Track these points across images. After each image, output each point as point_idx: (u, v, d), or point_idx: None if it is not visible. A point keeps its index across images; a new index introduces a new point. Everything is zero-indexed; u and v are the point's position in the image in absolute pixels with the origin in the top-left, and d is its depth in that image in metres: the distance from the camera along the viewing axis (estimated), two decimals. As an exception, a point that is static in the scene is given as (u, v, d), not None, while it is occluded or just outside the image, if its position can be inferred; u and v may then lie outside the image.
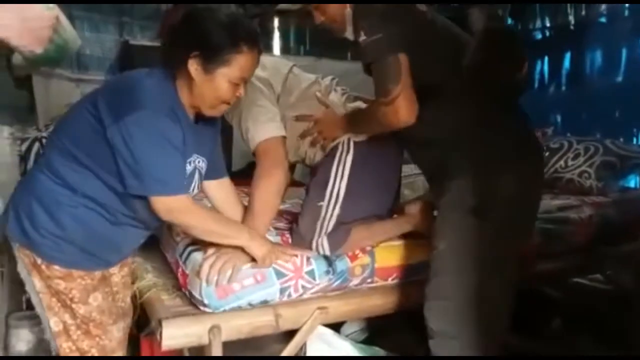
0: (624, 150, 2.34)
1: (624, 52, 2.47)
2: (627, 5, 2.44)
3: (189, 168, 1.30)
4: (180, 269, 1.57)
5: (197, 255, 1.51)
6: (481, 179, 1.34)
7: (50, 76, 2.72)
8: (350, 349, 1.86)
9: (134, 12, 2.99)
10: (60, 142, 1.24)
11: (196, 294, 1.42)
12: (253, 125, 1.49)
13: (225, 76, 1.21)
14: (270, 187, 1.45)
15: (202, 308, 1.43)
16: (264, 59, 1.47)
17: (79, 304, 1.30)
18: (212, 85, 1.22)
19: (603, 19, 2.61)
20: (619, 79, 2.52)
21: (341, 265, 1.59)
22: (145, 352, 1.81)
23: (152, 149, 1.16)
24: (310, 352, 1.88)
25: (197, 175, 1.37)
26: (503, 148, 1.36)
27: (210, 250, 1.44)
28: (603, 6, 2.55)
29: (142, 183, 1.18)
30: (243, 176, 3.55)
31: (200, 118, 1.35)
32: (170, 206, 1.21)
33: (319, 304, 1.55)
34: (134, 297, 1.58)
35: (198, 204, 1.33)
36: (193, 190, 1.38)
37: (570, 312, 2.11)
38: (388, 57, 1.28)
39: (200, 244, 1.58)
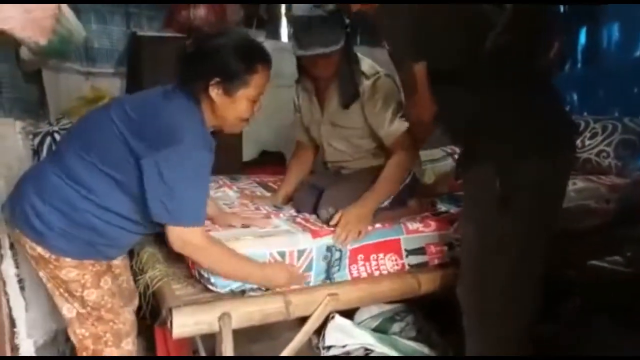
0: (643, 128, 2.26)
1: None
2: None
3: None
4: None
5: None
6: (507, 166, 1.32)
7: (60, 70, 2.73)
8: (369, 339, 1.86)
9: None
10: (87, 157, 1.27)
11: (204, 274, 1.44)
12: (394, 120, 1.71)
13: (245, 96, 1.30)
14: (399, 174, 1.71)
15: (209, 287, 1.44)
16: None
17: (91, 289, 1.34)
18: (233, 106, 1.30)
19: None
20: (638, 53, 2.42)
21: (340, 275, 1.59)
22: (159, 341, 1.83)
23: (185, 184, 1.23)
24: (328, 342, 1.88)
25: None
26: (530, 134, 1.33)
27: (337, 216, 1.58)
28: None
29: (168, 213, 1.23)
30: (254, 166, 3.57)
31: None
32: (186, 237, 1.26)
33: (329, 291, 1.54)
34: (145, 287, 1.59)
35: (213, 240, 1.35)
36: None
37: (589, 294, 2.06)
38: (405, 68, 1.42)
39: (210, 226, 1.59)
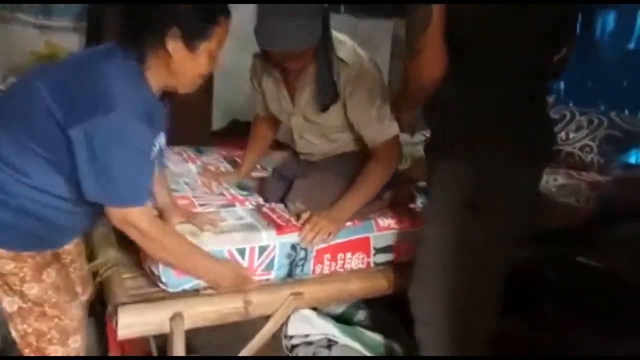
0: (629, 125, 2.20)
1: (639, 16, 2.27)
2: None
3: (155, 149, 1.21)
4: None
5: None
6: (483, 167, 1.20)
7: (11, 21, 2.48)
8: (332, 329, 1.80)
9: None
10: (13, 130, 1.11)
11: (155, 271, 1.33)
12: (382, 121, 1.50)
13: (207, 50, 1.17)
14: (379, 182, 1.53)
15: (160, 286, 1.33)
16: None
17: (32, 282, 1.21)
18: (195, 61, 1.17)
19: (619, -22, 2.38)
20: (631, 46, 2.32)
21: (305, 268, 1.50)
22: (111, 333, 1.71)
23: (119, 156, 1.09)
24: (290, 332, 1.80)
25: (159, 154, 1.29)
26: (517, 139, 1.21)
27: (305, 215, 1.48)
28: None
29: (102, 191, 1.11)
30: (224, 136, 3.40)
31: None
32: (127, 218, 1.15)
33: (293, 290, 1.44)
34: (94, 273, 1.47)
35: (159, 223, 1.24)
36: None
37: (566, 294, 2.03)
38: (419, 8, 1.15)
39: (165, 220, 1.46)
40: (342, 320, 1.89)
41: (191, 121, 2.93)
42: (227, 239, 1.37)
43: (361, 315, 1.95)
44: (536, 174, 1.32)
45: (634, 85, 2.32)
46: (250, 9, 3.41)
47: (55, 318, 1.26)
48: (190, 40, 1.14)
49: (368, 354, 1.72)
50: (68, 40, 2.67)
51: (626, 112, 2.32)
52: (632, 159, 2.25)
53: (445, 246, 1.26)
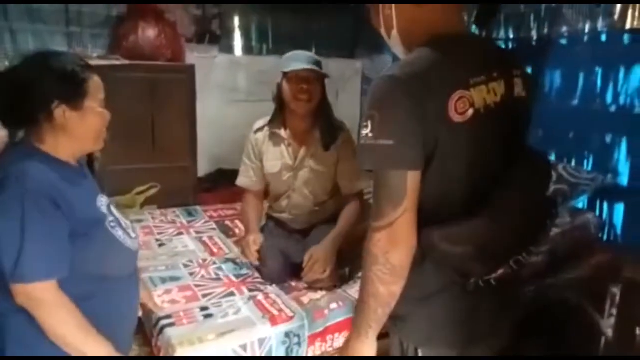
0: (574, 178, 2.40)
1: (581, 77, 2.52)
2: (586, 31, 2.46)
3: (103, 211, 1.27)
4: (154, 340, 1.64)
5: (171, 331, 1.59)
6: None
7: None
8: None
9: (83, 21, 2.77)
10: None
11: None
12: (358, 177, 2.17)
13: (90, 105, 1.23)
14: (354, 218, 2.14)
15: None
16: None
17: None
18: (86, 118, 1.22)
19: (564, 41, 2.62)
20: (575, 102, 2.58)
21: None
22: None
23: (21, 233, 1.08)
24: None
25: (117, 215, 1.33)
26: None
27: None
28: (565, 27, 2.56)
29: (8, 269, 1.09)
30: (211, 184, 3.52)
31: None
32: (30, 295, 1.10)
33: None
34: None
35: (64, 300, 1.14)
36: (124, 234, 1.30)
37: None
38: (393, 171, 0.96)
39: (175, 318, 1.65)
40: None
41: (177, 173, 3.10)
42: (231, 338, 1.58)
43: None
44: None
45: (579, 138, 2.58)
46: (230, 61, 3.55)
47: None
48: (74, 102, 1.19)
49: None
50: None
51: (573, 162, 2.59)
52: (579, 205, 2.51)
53: None
